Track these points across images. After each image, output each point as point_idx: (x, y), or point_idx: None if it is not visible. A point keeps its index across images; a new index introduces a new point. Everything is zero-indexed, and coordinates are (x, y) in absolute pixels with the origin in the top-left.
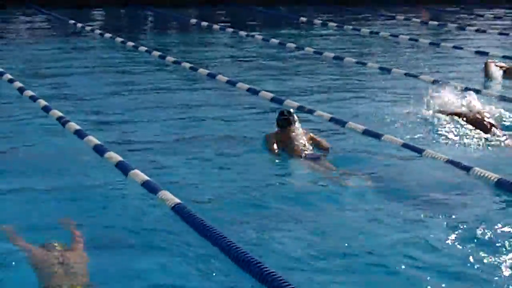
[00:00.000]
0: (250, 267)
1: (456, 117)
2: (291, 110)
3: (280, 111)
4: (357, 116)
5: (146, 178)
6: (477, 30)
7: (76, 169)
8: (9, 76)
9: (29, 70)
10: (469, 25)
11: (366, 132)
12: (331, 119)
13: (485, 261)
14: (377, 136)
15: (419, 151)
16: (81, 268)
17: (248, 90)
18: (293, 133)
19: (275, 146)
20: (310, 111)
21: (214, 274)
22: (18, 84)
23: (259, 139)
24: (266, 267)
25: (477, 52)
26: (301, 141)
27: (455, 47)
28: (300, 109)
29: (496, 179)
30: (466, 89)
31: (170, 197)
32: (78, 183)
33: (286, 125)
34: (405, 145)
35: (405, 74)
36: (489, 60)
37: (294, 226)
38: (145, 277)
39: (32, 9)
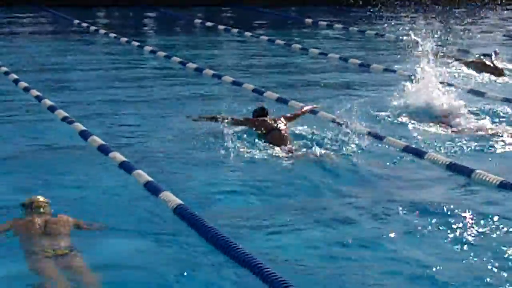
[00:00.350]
0: (251, 267)
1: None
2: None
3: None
4: (360, 117)
5: (149, 178)
6: (482, 32)
7: (81, 168)
8: (15, 76)
9: (35, 70)
10: (474, 26)
11: (369, 134)
12: (334, 120)
13: (488, 262)
14: (380, 138)
15: (421, 153)
16: (64, 233)
17: (254, 90)
18: (272, 122)
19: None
20: (314, 112)
21: (216, 274)
22: (23, 84)
23: None
24: (267, 267)
25: (484, 54)
26: (281, 126)
27: (460, 49)
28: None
29: (499, 182)
30: (471, 91)
31: (172, 198)
32: (82, 182)
33: (262, 113)
34: (407, 148)
35: (410, 76)
36: None
37: (296, 226)
38: (146, 277)
39: (38, 8)
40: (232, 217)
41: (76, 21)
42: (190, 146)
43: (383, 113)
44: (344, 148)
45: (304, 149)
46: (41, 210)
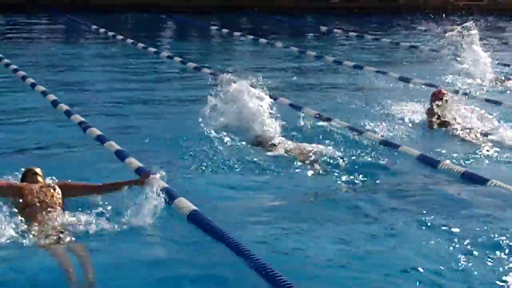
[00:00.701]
0: (265, 275)
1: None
2: None
3: None
4: (375, 125)
5: (165, 185)
6: (498, 42)
7: (96, 173)
8: (32, 80)
9: (51, 75)
10: (489, 36)
11: (383, 142)
12: (348, 128)
13: (501, 269)
14: (394, 146)
15: (435, 163)
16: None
17: None
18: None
19: None
20: (328, 119)
21: (229, 281)
22: (41, 87)
23: None
24: (279, 274)
25: (499, 64)
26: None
27: (475, 59)
28: (318, 117)
29: None
30: (486, 100)
31: (186, 205)
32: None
33: None
34: (422, 157)
35: (425, 84)
36: None
37: (310, 231)
38: (158, 284)
39: (56, 14)
40: (248, 223)
41: (94, 27)
42: (207, 153)
43: (398, 121)
44: (357, 156)
45: (317, 155)
46: (38, 178)
